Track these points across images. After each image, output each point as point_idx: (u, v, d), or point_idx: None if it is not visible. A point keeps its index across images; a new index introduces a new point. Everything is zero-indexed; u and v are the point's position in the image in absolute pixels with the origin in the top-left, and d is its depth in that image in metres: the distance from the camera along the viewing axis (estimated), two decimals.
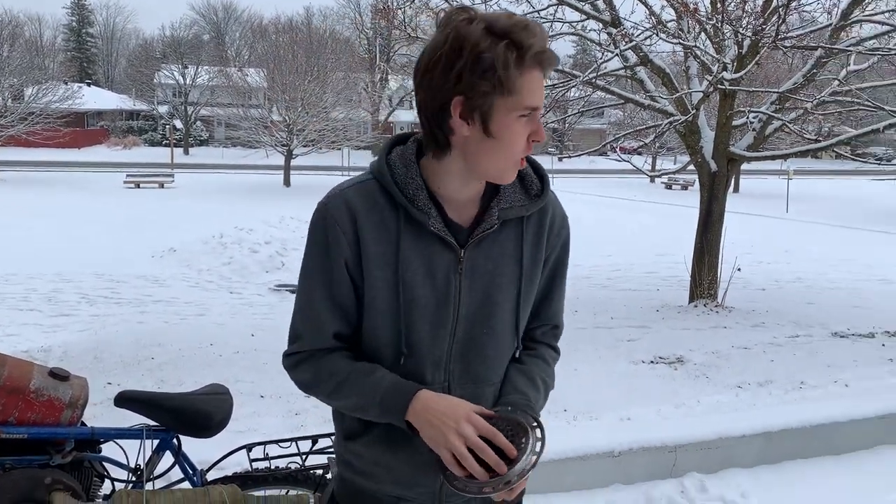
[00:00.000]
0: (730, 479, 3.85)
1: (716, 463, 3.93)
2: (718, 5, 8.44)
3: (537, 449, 1.24)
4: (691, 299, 9.96)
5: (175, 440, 2.21)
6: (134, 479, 2.18)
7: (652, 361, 7.02)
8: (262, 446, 2.27)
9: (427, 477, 1.40)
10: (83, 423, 2.13)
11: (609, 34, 9.20)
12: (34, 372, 2.05)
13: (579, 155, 12.24)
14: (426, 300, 1.37)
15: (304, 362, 1.40)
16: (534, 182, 1.46)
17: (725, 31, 8.27)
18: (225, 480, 2.26)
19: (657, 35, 8.67)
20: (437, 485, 1.43)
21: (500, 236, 1.41)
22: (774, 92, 9.40)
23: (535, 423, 1.28)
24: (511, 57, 1.25)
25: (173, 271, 14.51)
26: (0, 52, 32.22)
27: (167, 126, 49.44)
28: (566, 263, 1.54)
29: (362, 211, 1.35)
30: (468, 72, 1.25)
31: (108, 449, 2.22)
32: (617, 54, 8.87)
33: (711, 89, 8.59)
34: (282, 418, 5.17)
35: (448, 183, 1.37)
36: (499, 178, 1.37)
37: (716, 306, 9.61)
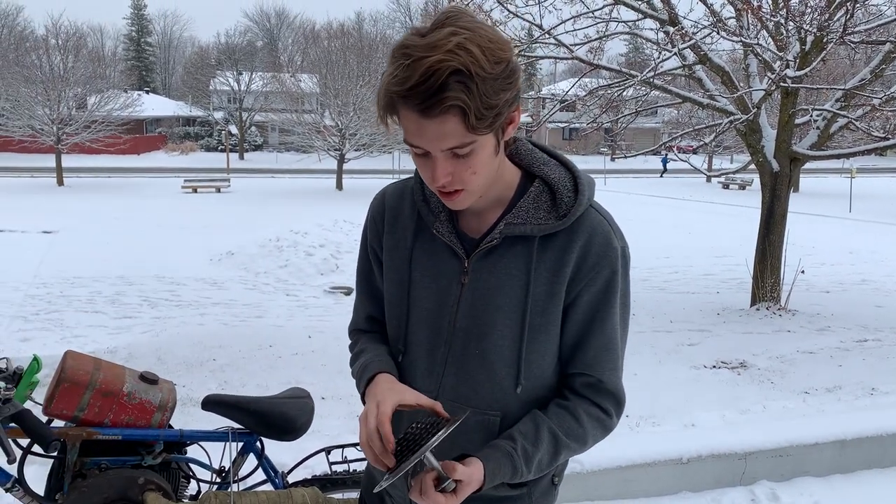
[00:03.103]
0: (802, 487, 3.76)
1: (787, 471, 3.85)
2: (781, 2, 8.25)
3: (437, 438, 1.13)
4: (753, 302, 9.74)
5: (259, 443, 2.27)
6: (219, 480, 2.24)
7: (714, 366, 6.90)
8: (341, 449, 2.31)
9: (399, 479, 1.35)
10: (171, 426, 2.20)
11: (666, 33, 9.06)
12: (126, 376, 2.13)
13: (634, 155, 12.04)
14: (429, 304, 1.33)
15: (351, 341, 1.48)
16: (564, 199, 1.29)
17: (788, 27, 8.07)
18: (305, 483, 2.30)
19: (717, 33, 8.51)
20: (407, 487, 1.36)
21: (508, 253, 1.28)
22: (840, 89, 9.13)
23: (458, 415, 1.17)
24: (382, 89, 1.16)
25: (231, 274, 14.80)
26: (65, 63, 33.30)
27: (223, 132, 50.52)
28: (610, 306, 1.29)
29: (391, 206, 1.40)
30: None
31: (192, 451, 2.29)
32: (675, 53, 8.73)
33: (774, 87, 8.39)
34: (344, 420, 5.24)
35: None
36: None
37: (779, 309, 9.37)
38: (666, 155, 38.73)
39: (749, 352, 7.35)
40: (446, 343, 1.32)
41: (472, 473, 1.17)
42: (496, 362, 1.30)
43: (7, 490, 2.08)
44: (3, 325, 10.05)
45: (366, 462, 2.37)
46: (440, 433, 1.12)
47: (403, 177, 1.47)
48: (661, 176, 38.12)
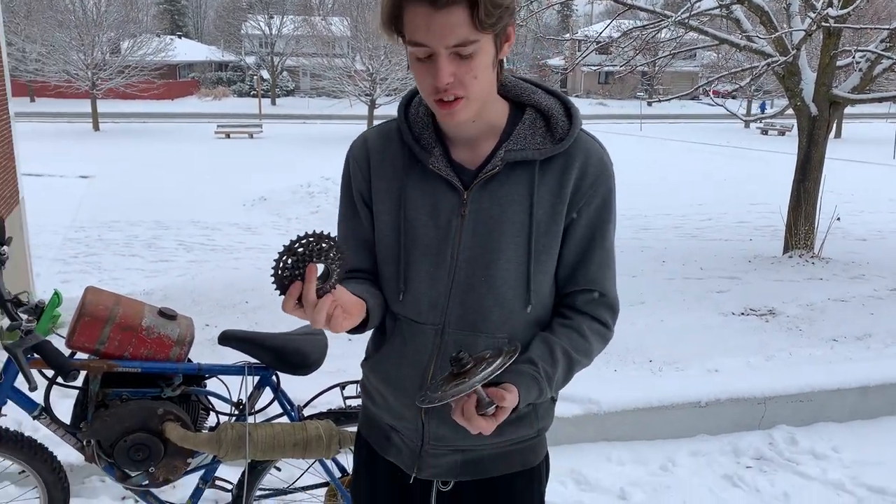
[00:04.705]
0: (822, 432, 3.76)
1: (807, 416, 3.85)
2: None
3: (496, 367, 1.15)
4: (786, 250, 9.60)
5: (274, 377, 2.33)
6: (237, 412, 2.31)
7: (742, 313, 6.85)
8: (355, 385, 2.36)
9: (410, 411, 1.41)
10: (189, 360, 2.27)
11: None
12: (145, 311, 2.19)
13: (669, 99, 11.74)
14: (428, 240, 1.34)
15: None
16: (559, 123, 1.33)
17: None
18: (320, 416, 2.37)
19: None
20: (419, 423, 1.42)
21: (508, 180, 1.31)
22: (885, 29, 8.77)
23: (511, 348, 1.19)
24: None
25: (264, 219, 14.97)
26: (98, 7, 33.35)
27: (255, 77, 50.41)
28: (608, 222, 1.35)
29: (376, 148, 1.40)
30: None
31: (212, 384, 2.36)
32: None
33: (814, 27, 8.08)
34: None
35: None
36: (437, 117, 1.31)
37: (812, 257, 9.23)
38: (764, 103, 36.57)
39: (779, 299, 7.28)
40: (449, 275, 1.34)
41: (514, 400, 1.21)
42: (502, 287, 1.33)
43: (35, 417, 2.18)
44: (44, 266, 10.33)
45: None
46: (496, 364, 1.15)
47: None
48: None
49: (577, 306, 1.38)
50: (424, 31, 1.16)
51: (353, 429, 2.30)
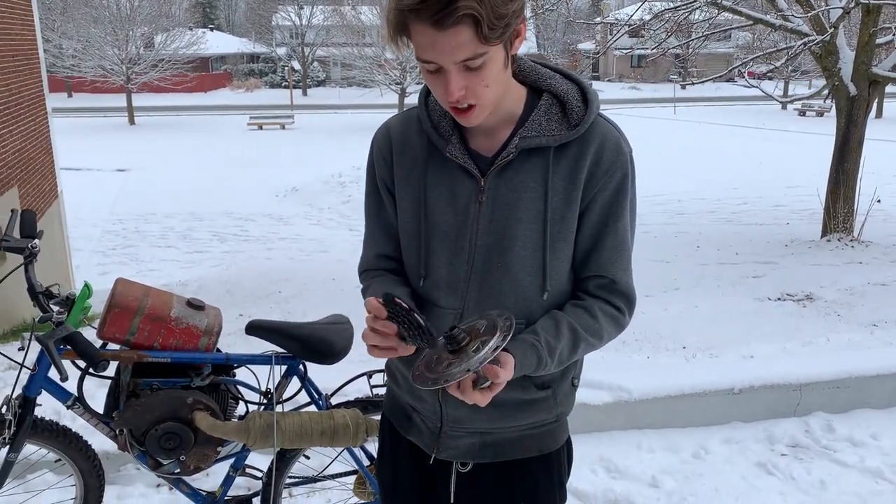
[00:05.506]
0: (860, 419, 3.68)
1: (845, 402, 3.77)
2: None
3: (490, 350, 1.14)
4: (824, 233, 9.40)
5: (301, 366, 2.35)
6: (265, 401, 2.34)
7: (779, 298, 6.72)
8: (382, 373, 2.37)
9: (428, 393, 1.42)
10: (218, 350, 2.30)
11: None
12: (173, 302, 2.21)
13: (703, 81, 11.55)
14: (447, 226, 1.35)
15: (363, 284, 1.49)
16: (575, 109, 1.32)
17: None
18: (347, 405, 2.39)
19: None
20: (437, 401, 1.43)
21: (523, 167, 1.31)
22: None
23: (507, 324, 1.17)
24: (391, 7, 1.18)
25: (296, 210, 15.08)
26: (131, 2, 33.78)
27: (286, 68, 50.68)
28: (622, 209, 1.33)
29: (398, 136, 1.41)
30: None
31: (241, 374, 2.38)
32: None
33: (853, 4, 7.86)
34: None
35: None
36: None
37: (851, 240, 9.02)
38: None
39: (816, 284, 7.12)
40: (468, 261, 1.35)
41: (508, 374, 1.21)
42: (519, 273, 1.34)
43: (68, 407, 2.23)
44: (83, 259, 10.55)
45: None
46: (491, 344, 1.14)
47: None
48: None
49: (590, 291, 1.39)
50: (430, 50, 1.17)
51: (379, 417, 2.31)
